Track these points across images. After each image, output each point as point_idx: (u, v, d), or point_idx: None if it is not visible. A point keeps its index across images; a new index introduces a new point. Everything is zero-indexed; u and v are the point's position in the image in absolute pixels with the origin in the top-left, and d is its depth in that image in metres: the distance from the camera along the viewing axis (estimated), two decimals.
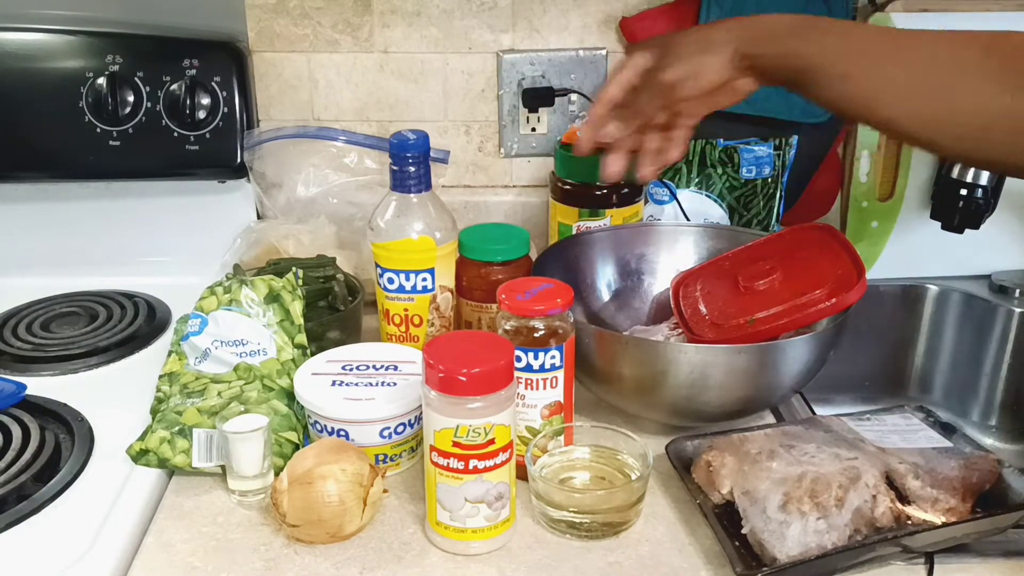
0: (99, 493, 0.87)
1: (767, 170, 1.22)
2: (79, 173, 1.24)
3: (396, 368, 0.93)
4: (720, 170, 1.22)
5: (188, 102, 1.20)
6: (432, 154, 1.01)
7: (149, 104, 1.21)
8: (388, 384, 0.90)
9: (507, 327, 0.86)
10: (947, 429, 0.91)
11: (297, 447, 0.90)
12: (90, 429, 0.95)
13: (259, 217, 1.28)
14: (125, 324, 1.14)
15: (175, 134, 1.21)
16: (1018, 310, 1.25)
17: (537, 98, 1.27)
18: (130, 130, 1.21)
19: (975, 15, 1.22)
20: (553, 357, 0.86)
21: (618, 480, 0.87)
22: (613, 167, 0.95)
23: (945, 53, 0.77)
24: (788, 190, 1.26)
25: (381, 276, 1.02)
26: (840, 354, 0.96)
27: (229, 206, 1.27)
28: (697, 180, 1.23)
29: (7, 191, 1.26)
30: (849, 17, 1.22)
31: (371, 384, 0.90)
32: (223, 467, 0.88)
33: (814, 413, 1.02)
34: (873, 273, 1.30)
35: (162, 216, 1.28)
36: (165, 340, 1.11)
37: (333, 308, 1.08)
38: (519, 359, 0.84)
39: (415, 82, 1.28)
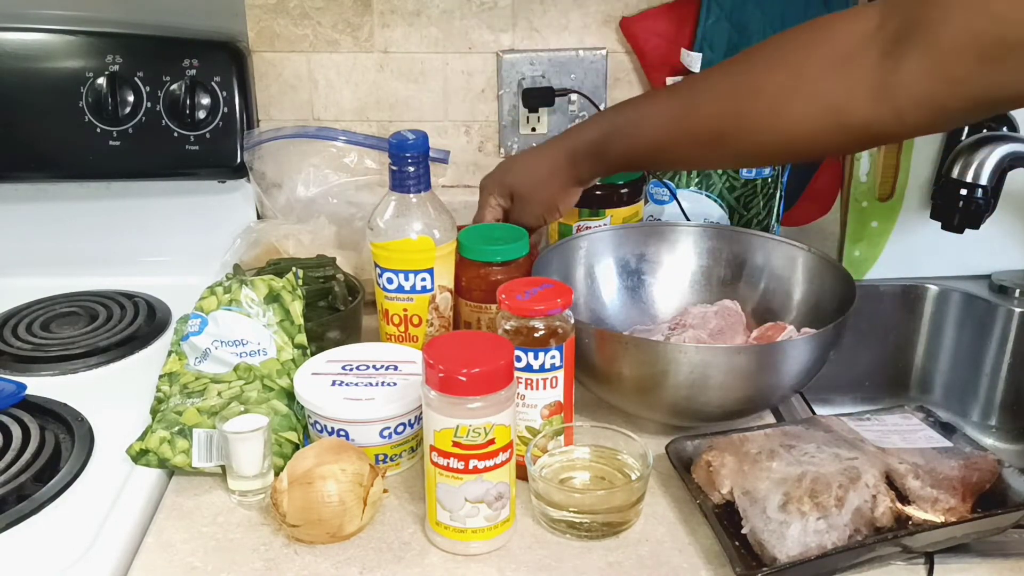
0: (99, 493, 0.87)
1: (767, 170, 1.22)
2: (79, 173, 1.24)
3: (396, 368, 0.93)
4: (720, 170, 1.22)
5: (188, 102, 1.20)
6: (432, 154, 1.01)
7: (149, 104, 1.21)
8: (388, 384, 0.90)
9: (507, 327, 0.86)
10: (947, 429, 0.91)
11: (297, 447, 0.90)
12: (90, 429, 0.95)
13: (259, 217, 1.28)
14: (125, 324, 1.14)
15: (175, 134, 1.21)
16: (1018, 310, 1.25)
17: (537, 98, 1.27)
18: (130, 130, 1.21)
19: None
20: (553, 357, 0.86)
21: (618, 480, 0.87)
22: None
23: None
24: (788, 190, 1.26)
25: (380, 276, 1.02)
26: (840, 354, 0.96)
27: (229, 206, 1.28)
28: (697, 180, 1.23)
29: (7, 191, 1.26)
30: None
31: (371, 384, 0.90)
32: (223, 467, 0.88)
33: (814, 413, 1.02)
34: (873, 273, 1.30)
35: (162, 216, 1.28)
36: (165, 340, 1.11)
37: (333, 308, 1.08)
38: (519, 359, 0.84)
39: (415, 82, 1.28)
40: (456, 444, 0.77)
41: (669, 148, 0.93)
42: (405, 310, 1.02)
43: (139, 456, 0.89)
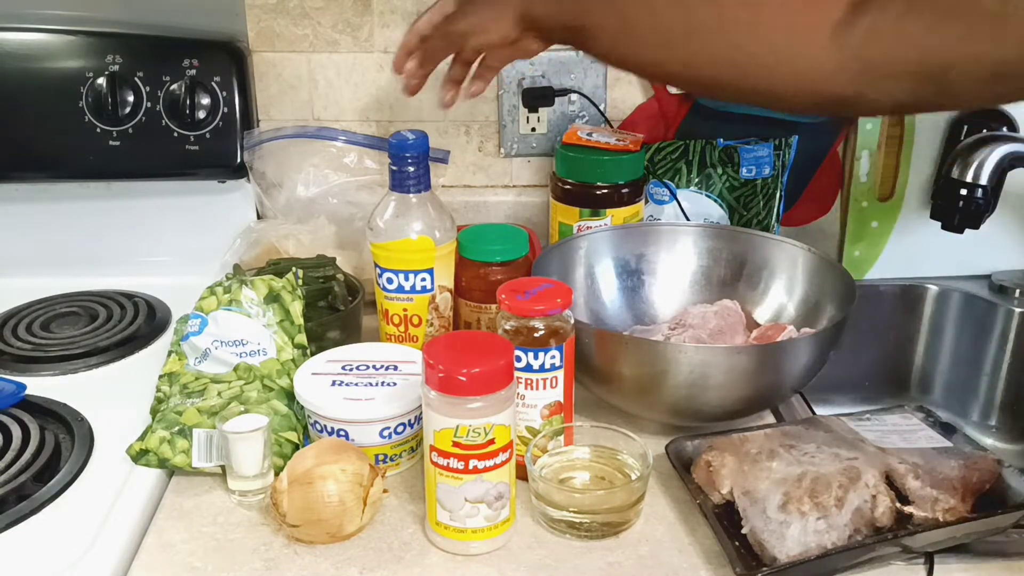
0: (99, 493, 0.87)
1: (767, 170, 1.22)
2: (79, 173, 1.24)
3: (396, 368, 0.93)
4: (720, 170, 1.22)
5: (188, 102, 1.20)
6: (432, 154, 1.01)
7: (149, 104, 1.21)
8: (388, 384, 0.90)
9: (507, 327, 0.86)
10: (947, 429, 0.91)
11: (297, 447, 0.90)
12: (90, 429, 0.95)
13: (259, 217, 1.28)
14: (125, 324, 1.14)
15: (175, 134, 1.21)
16: (1018, 310, 1.25)
17: (537, 98, 1.27)
18: (130, 130, 1.21)
19: None
20: (553, 357, 0.86)
21: (618, 480, 0.87)
22: (411, 88, 1.01)
23: None
24: (788, 190, 1.26)
25: (380, 276, 1.02)
26: (840, 354, 0.96)
27: (229, 206, 1.27)
28: (697, 180, 1.23)
29: (7, 191, 1.26)
30: None
31: (371, 384, 0.90)
32: (223, 467, 0.88)
33: (814, 413, 1.02)
34: (873, 273, 1.30)
35: (162, 216, 1.28)
36: (165, 340, 1.11)
37: (333, 308, 1.08)
38: (519, 359, 0.84)
39: None
40: (456, 444, 0.77)
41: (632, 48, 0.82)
42: (405, 310, 1.02)
43: (139, 456, 0.89)
